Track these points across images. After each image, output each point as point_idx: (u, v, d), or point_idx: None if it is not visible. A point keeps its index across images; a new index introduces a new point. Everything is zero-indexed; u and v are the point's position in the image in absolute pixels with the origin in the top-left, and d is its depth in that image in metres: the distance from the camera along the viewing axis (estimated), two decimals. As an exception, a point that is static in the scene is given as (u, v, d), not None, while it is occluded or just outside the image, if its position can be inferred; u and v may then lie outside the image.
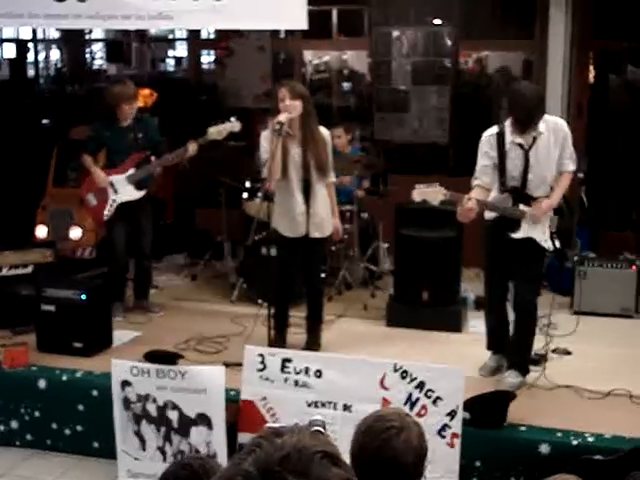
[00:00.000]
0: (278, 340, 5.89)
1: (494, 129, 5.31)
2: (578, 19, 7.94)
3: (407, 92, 8.79)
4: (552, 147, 5.24)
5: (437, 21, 8.90)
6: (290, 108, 5.62)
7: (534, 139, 5.20)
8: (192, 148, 6.45)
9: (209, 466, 2.25)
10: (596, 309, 6.77)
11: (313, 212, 5.80)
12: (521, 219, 5.29)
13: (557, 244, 5.35)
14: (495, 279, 5.60)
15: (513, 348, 5.52)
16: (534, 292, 5.48)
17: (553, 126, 5.24)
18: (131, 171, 6.65)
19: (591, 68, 8.81)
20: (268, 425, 1.45)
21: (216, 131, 6.39)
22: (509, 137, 5.22)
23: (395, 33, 8.76)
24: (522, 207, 5.30)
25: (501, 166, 5.24)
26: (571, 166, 5.32)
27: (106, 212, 6.71)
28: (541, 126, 5.19)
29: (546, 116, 5.26)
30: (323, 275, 6.65)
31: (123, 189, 6.67)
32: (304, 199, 5.79)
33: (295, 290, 6.31)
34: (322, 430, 1.61)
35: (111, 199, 6.68)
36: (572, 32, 7.92)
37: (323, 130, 5.87)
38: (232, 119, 6.41)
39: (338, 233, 6.07)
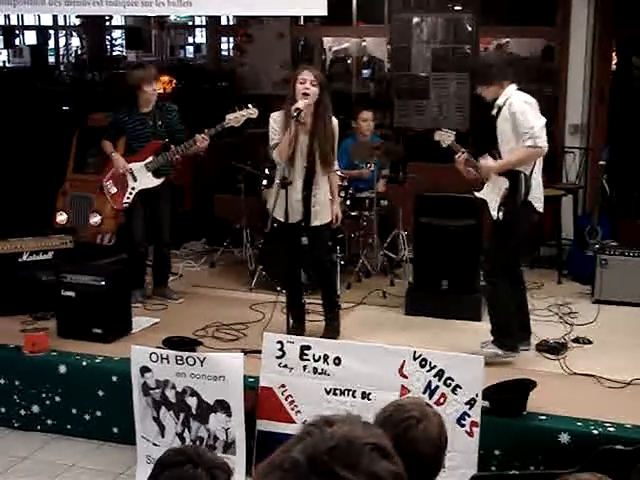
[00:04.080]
0: (297, 327, 5.88)
1: None
2: (600, 6, 7.85)
3: (427, 79, 8.73)
4: (505, 121, 5.43)
5: (457, 7, 8.83)
6: (311, 92, 5.56)
7: (499, 109, 5.48)
8: (200, 141, 6.42)
9: (203, 453, 2.26)
10: (617, 298, 6.71)
11: (315, 201, 5.77)
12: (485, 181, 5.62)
13: (500, 216, 5.47)
14: None
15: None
16: (489, 265, 5.67)
17: (509, 101, 5.42)
18: (150, 159, 6.65)
19: (614, 55, 8.72)
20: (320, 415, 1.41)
21: (234, 118, 6.36)
22: None
23: (415, 19, 8.69)
24: None
25: None
26: (527, 142, 5.33)
27: (125, 200, 6.72)
28: (501, 99, 5.46)
29: (515, 92, 5.46)
30: (335, 260, 6.81)
31: (142, 177, 6.67)
32: (304, 187, 5.75)
33: (312, 277, 6.31)
34: None
35: (130, 187, 6.70)
36: (594, 19, 7.85)
37: (333, 121, 5.81)
38: (250, 106, 6.39)
39: (337, 219, 6.02)
